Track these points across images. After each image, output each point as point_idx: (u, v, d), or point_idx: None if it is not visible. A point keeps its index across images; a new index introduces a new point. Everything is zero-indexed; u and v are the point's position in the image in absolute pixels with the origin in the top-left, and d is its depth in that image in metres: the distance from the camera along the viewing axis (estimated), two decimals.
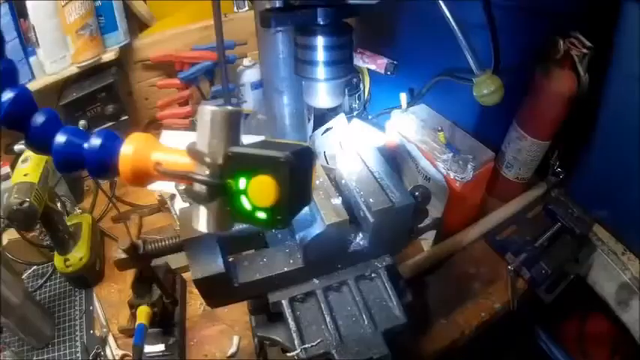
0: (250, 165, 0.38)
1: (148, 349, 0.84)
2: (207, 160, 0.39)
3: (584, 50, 0.87)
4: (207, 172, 0.39)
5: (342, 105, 1.06)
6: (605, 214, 1.08)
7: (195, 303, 0.93)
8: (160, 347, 0.84)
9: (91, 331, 0.89)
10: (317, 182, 0.62)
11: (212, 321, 0.90)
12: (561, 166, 1.08)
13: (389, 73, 1.00)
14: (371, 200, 0.59)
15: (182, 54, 1.10)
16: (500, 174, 1.09)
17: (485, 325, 0.94)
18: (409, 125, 0.92)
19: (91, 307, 0.93)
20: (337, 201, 0.59)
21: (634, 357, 1.20)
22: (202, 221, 0.41)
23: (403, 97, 0.89)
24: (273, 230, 0.65)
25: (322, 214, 0.57)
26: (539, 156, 1.03)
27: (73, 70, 1.03)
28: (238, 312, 0.88)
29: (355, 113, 1.07)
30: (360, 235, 0.63)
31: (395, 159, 1.00)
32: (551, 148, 1.05)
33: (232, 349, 0.85)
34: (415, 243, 0.99)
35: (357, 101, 1.08)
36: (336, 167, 0.66)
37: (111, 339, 0.88)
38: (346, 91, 1.04)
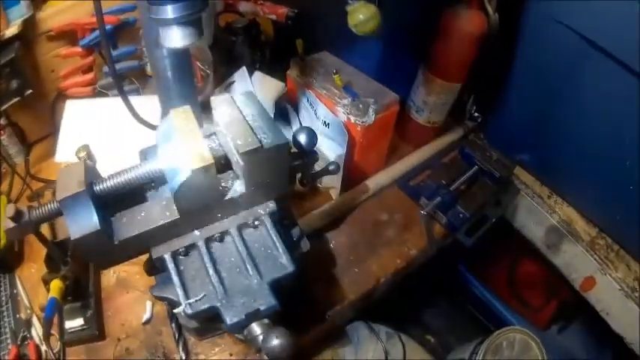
0: None
1: (68, 324, 0.84)
2: None
3: None
4: None
5: (243, 58, 1.03)
6: (526, 157, 1.09)
7: (109, 272, 0.91)
8: (79, 322, 0.84)
9: (17, 315, 0.88)
10: (184, 127, 0.59)
11: (126, 288, 0.89)
12: (478, 110, 1.07)
13: (289, 22, 0.97)
14: (239, 142, 0.57)
15: (82, 20, 1.05)
16: (412, 119, 1.07)
17: (402, 273, 0.93)
18: (308, 72, 0.89)
19: (15, 291, 0.92)
20: (204, 146, 0.57)
21: (572, 300, 1.22)
22: None
23: (299, 43, 0.86)
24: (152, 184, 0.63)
25: (187, 159, 0.55)
26: (450, 99, 1.02)
27: None
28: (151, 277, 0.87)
29: (258, 65, 1.04)
30: (238, 181, 0.61)
31: (296, 107, 0.97)
32: (467, 92, 1.03)
33: (147, 315, 0.85)
34: (323, 192, 0.98)
35: (259, 53, 1.05)
36: (212, 113, 0.63)
37: (35, 320, 0.87)
38: (247, 42, 1.01)
